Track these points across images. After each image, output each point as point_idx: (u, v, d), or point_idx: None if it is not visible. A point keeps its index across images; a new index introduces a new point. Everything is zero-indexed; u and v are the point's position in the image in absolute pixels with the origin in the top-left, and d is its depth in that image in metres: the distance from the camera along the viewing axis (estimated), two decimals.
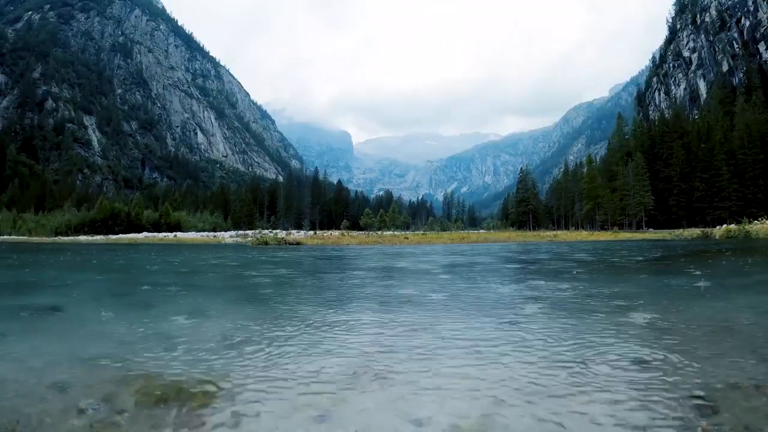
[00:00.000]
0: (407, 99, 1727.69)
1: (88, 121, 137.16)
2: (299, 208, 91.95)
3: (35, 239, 43.29)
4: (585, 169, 68.58)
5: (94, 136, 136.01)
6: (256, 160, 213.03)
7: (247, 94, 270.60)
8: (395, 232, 50.03)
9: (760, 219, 26.44)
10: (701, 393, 1.32)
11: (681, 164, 55.11)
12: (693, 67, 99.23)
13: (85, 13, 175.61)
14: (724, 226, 26.33)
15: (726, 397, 1.28)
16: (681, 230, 35.38)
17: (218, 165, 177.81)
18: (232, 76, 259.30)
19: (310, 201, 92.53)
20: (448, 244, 22.13)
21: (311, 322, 2.67)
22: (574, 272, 6.32)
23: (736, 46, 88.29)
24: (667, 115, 70.54)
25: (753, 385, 1.39)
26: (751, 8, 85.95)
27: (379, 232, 46.29)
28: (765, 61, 79.68)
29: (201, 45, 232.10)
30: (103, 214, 58.35)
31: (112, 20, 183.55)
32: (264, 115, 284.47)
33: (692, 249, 12.52)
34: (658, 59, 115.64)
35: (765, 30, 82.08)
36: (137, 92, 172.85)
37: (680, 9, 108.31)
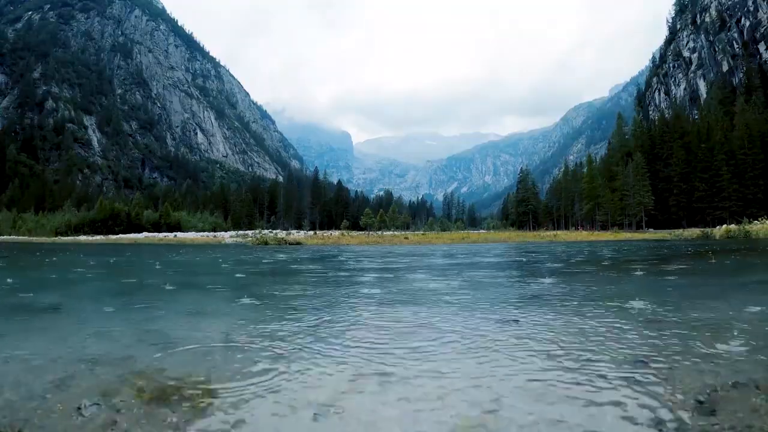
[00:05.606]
0: (407, 99, 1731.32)
1: (88, 121, 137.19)
2: (299, 208, 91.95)
3: (35, 239, 43.28)
4: (585, 169, 68.58)
5: (94, 136, 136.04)
6: (256, 160, 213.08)
7: (247, 94, 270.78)
8: (395, 232, 50.04)
9: (760, 219, 26.42)
10: (701, 393, 1.32)
11: (681, 164, 55.11)
12: (693, 67, 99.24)
13: (85, 13, 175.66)
14: (724, 226, 26.31)
15: (726, 397, 1.28)
16: (681, 230, 35.36)
17: (218, 165, 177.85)
18: (232, 77, 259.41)
19: (310, 201, 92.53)
20: (449, 244, 22.14)
21: (311, 321, 2.67)
22: (575, 272, 6.32)
23: (736, 46, 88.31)
24: (667, 115, 70.54)
25: (753, 385, 1.39)
26: (751, 8, 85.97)
27: (379, 233, 46.30)
28: (765, 61, 79.67)
29: (201, 45, 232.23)
30: (103, 214, 58.38)
31: (112, 20, 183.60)
32: (264, 115, 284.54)
33: (692, 249, 12.53)
34: (658, 59, 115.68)
35: (765, 30, 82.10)
36: (137, 92, 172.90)
37: (680, 9, 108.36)
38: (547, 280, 5.10)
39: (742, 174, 50.72)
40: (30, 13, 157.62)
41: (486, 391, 1.37)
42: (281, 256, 11.98)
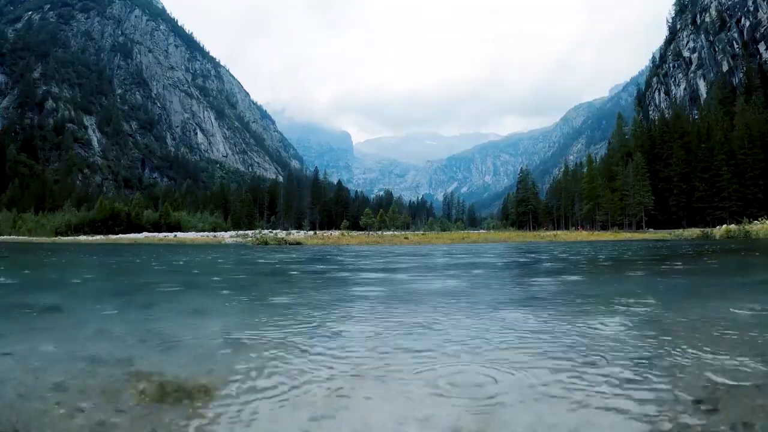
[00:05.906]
0: (407, 99, 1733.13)
1: (88, 121, 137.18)
2: (299, 208, 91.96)
3: (35, 239, 43.28)
4: (585, 169, 68.61)
5: (94, 136, 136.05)
6: (256, 160, 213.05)
7: (247, 94, 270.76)
8: (395, 233, 50.04)
9: (760, 219, 26.44)
10: (701, 393, 1.32)
11: (681, 164, 55.12)
12: (693, 67, 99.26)
13: (85, 13, 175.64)
14: (724, 226, 26.33)
15: (726, 397, 1.28)
16: (681, 230, 35.37)
17: (218, 165, 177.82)
18: (232, 77, 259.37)
19: (310, 201, 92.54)
20: (449, 244, 22.15)
21: (310, 321, 2.67)
22: (574, 272, 6.32)
23: (736, 46, 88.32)
24: (667, 115, 70.57)
25: (753, 385, 1.39)
26: (751, 8, 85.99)
27: (379, 233, 46.31)
28: (765, 61, 79.69)
29: (201, 45, 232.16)
30: (103, 214, 58.40)
31: (112, 20, 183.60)
32: (264, 115, 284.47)
33: (692, 249, 12.53)
34: (658, 59, 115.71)
35: (765, 30, 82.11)
36: (137, 92, 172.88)
37: (680, 9, 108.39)
38: (547, 281, 5.10)
39: (742, 174, 50.73)
40: (30, 13, 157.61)
41: (485, 392, 1.38)
42: (281, 256, 11.98)
